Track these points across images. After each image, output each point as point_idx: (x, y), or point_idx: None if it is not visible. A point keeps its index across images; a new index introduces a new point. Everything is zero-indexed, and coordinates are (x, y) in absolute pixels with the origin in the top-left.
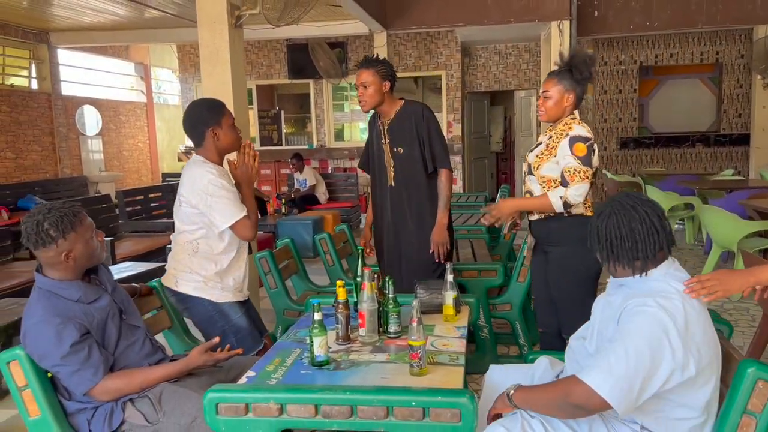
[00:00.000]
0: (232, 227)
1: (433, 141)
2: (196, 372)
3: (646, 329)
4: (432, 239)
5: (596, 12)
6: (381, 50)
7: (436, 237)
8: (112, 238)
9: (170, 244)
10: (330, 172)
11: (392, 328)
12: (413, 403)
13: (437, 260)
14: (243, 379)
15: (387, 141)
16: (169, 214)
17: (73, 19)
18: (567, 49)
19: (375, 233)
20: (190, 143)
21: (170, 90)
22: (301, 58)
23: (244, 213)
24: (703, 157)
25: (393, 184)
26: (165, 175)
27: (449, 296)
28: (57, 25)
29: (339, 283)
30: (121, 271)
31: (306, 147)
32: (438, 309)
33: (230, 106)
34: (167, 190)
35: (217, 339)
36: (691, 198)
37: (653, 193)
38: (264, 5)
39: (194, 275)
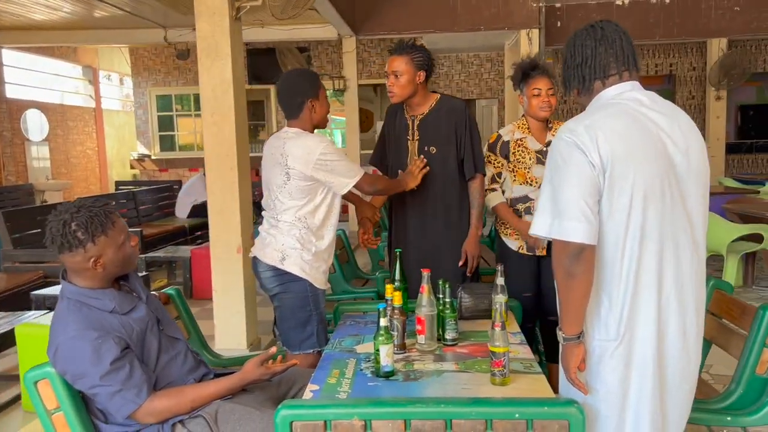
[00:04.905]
0: (356, 185)
1: (476, 144)
2: (247, 387)
3: (554, 155)
4: (466, 250)
5: (559, 22)
6: (350, 55)
7: (471, 249)
8: None
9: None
10: None
11: (450, 335)
12: (517, 416)
13: (469, 273)
14: (308, 394)
15: (416, 138)
16: (129, 223)
17: (22, 15)
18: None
19: (393, 237)
20: (142, 150)
21: (118, 95)
22: (261, 63)
23: (363, 171)
24: None
25: (416, 186)
26: (118, 183)
27: (500, 300)
28: (3, 22)
29: (389, 287)
30: None
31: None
32: (483, 314)
33: (230, 103)
34: (122, 198)
35: (273, 349)
36: None
37: None
38: None
39: (304, 252)
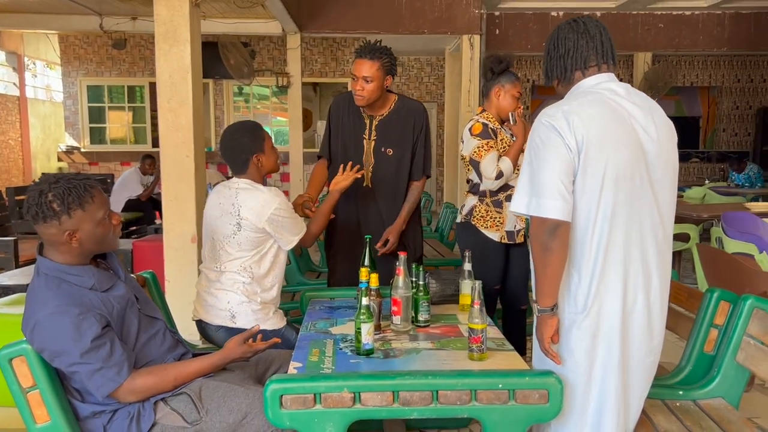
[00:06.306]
0: (299, 241)
1: (428, 147)
2: (227, 366)
3: (533, 137)
4: (388, 235)
5: (497, 30)
6: (295, 52)
7: (392, 237)
8: (14, 238)
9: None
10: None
11: (422, 316)
12: (500, 386)
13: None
14: (292, 371)
15: (373, 138)
16: None
17: None
18: (477, 63)
19: (338, 234)
20: (71, 142)
21: (41, 84)
22: (202, 57)
23: (305, 227)
24: None
25: (370, 185)
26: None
27: (467, 285)
28: None
29: (363, 270)
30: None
31: (205, 150)
32: (450, 299)
33: (188, 88)
34: None
35: (256, 327)
36: None
37: None
38: None
39: (252, 304)
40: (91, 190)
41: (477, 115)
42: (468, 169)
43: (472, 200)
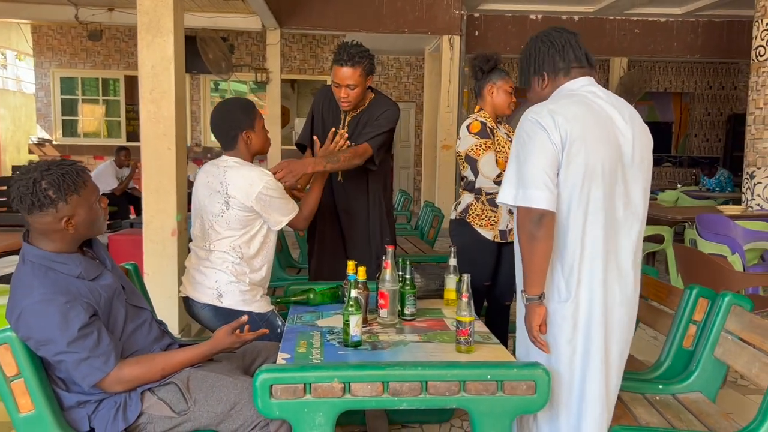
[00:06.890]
0: (289, 223)
1: (379, 131)
2: (214, 357)
3: (520, 133)
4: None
5: (477, 32)
6: (274, 47)
7: (294, 164)
8: None
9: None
10: None
11: (408, 310)
12: (488, 377)
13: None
14: (281, 361)
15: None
16: None
17: None
18: (457, 64)
19: (318, 229)
20: (43, 134)
21: (11, 74)
22: None
23: (297, 208)
24: None
25: (341, 179)
26: (16, 168)
27: (452, 280)
28: None
29: (351, 263)
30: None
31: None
32: (434, 294)
33: (171, 79)
34: None
35: (245, 318)
36: None
37: None
38: None
39: (240, 284)
40: (83, 174)
41: (475, 113)
42: (464, 167)
43: (467, 198)
